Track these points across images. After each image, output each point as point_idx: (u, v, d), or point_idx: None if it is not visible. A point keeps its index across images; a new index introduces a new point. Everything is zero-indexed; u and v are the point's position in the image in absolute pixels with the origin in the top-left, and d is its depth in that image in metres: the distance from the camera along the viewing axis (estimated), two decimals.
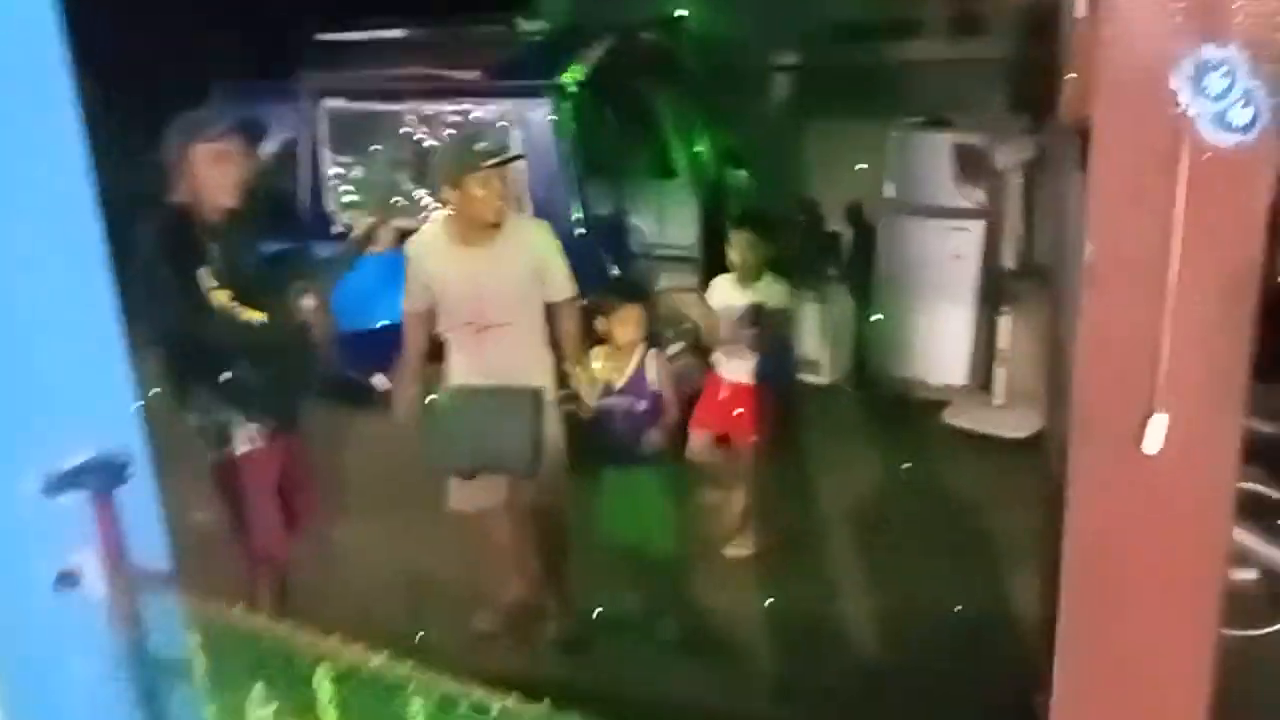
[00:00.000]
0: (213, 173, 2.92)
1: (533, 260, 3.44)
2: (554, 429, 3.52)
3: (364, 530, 4.29)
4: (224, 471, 3.08)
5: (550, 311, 3.51)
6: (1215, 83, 1.41)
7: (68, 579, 1.54)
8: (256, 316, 2.90)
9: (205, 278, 2.84)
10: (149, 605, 1.61)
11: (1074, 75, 1.75)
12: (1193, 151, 1.43)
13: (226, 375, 2.97)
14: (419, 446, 3.53)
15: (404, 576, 4.01)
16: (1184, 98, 1.43)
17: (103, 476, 1.50)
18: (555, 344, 3.54)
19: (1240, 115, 1.41)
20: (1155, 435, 1.53)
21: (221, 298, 2.85)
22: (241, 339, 2.93)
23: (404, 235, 3.54)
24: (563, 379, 3.59)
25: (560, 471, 3.58)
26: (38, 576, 1.54)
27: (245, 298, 2.90)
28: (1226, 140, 1.43)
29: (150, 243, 2.88)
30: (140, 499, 1.60)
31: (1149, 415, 1.53)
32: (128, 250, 2.70)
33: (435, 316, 3.51)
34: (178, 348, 2.99)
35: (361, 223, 3.34)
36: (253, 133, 3.18)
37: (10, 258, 1.49)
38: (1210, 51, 1.41)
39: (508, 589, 3.79)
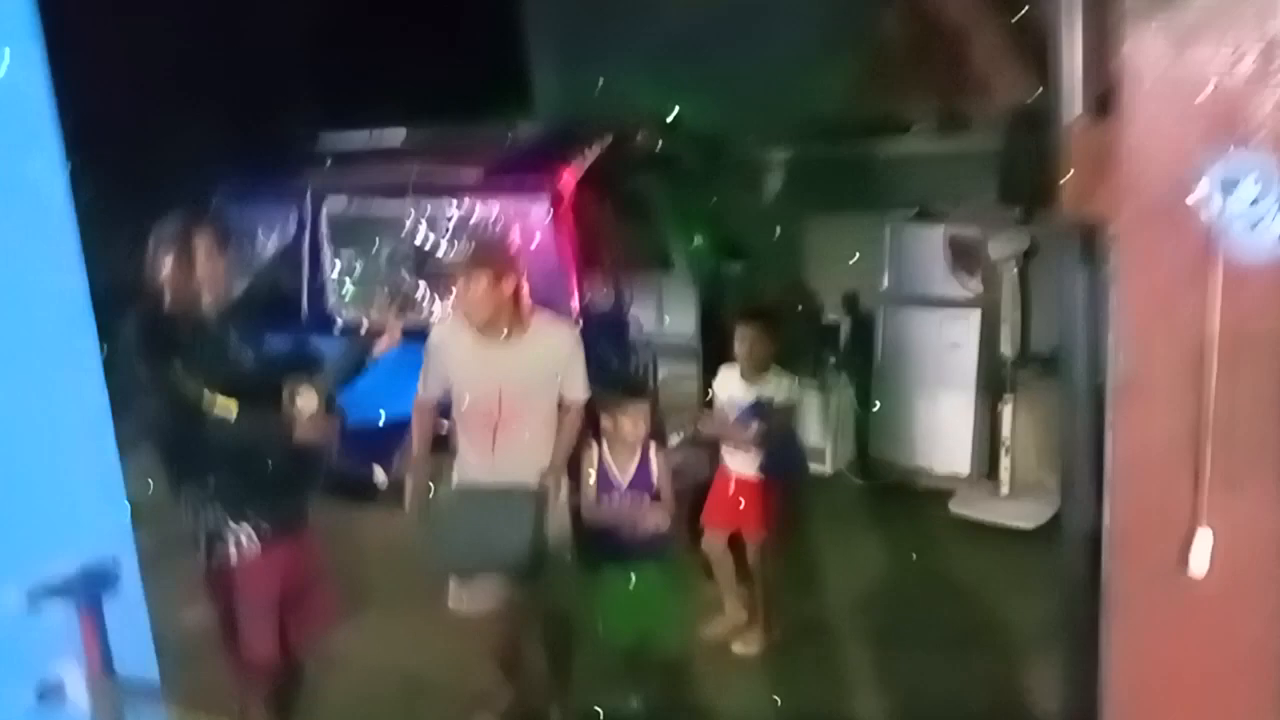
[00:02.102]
0: (196, 271, 2.91)
1: (555, 361, 3.40)
2: (561, 529, 3.46)
3: (361, 631, 4.17)
4: (219, 580, 2.98)
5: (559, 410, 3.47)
6: (1246, 190, 1.36)
7: (51, 692, 1.48)
8: (230, 410, 2.84)
9: (187, 379, 2.80)
10: (135, 718, 1.54)
11: (1073, 173, 1.75)
12: (1224, 262, 1.37)
13: (213, 479, 2.91)
14: (420, 545, 3.45)
15: (401, 679, 3.88)
16: (1213, 207, 1.37)
17: (89, 587, 1.45)
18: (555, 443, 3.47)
19: (1273, 225, 1.35)
20: (1201, 555, 1.44)
21: (205, 398, 2.81)
22: (235, 440, 2.86)
23: (411, 334, 3.55)
24: (570, 476, 3.54)
25: (566, 572, 3.49)
26: (19, 689, 1.48)
27: (239, 396, 2.85)
28: (1260, 250, 1.36)
29: (138, 344, 2.84)
30: (128, 607, 1.54)
31: (1191, 535, 1.44)
32: (118, 352, 2.68)
33: (444, 408, 3.48)
34: (168, 450, 2.92)
35: (370, 323, 3.32)
36: (232, 228, 3.19)
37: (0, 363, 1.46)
38: (1239, 157, 1.35)
39: (507, 692, 3.67)
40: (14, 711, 1.48)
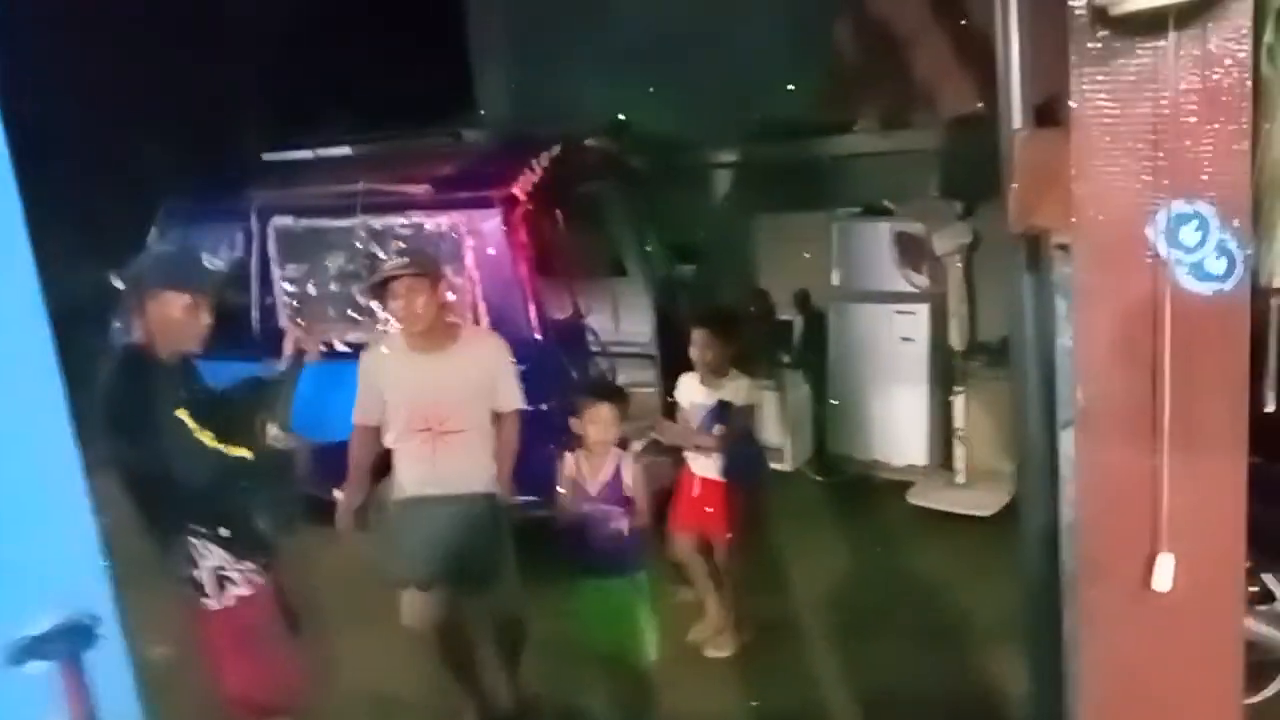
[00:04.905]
0: (177, 323, 2.83)
1: (486, 370, 3.49)
2: (507, 536, 3.54)
3: (323, 650, 4.13)
4: (216, 620, 2.90)
5: (494, 422, 3.54)
6: (1188, 235, 1.50)
7: None
8: (243, 453, 2.81)
9: (187, 420, 2.73)
10: None
11: (1017, 187, 1.84)
12: (1173, 299, 1.51)
13: (201, 516, 2.85)
14: (373, 561, 3.47)
15: (361, 697, 3.85)
16: (1160, 249, 1.51)
17: (70, 641, 1.43)
18: (496, 455, 3.54)
19: (1215, 265, 1.50)
20: (1164, 573, 1.57)
21: (206, 439, 2.74)
22: (224, 476, 2.80)
23: (357, 348, 3.56)
24: (523, 485, 3.60)
25: (515, 578, 3.57)
26: None
27: (220, 433, 2.80)
28: (1204, 289, 1.51)
29: (110, 385, 2.76)
30: (111, 660, 1.52)
31: (1155, 554, 1.57)
32: (84, 393, 2.62)
33: (383, 431, 3.51)
34: (148, 494, 2.82)
35: (288, 340, 3.29)
36: (211, 278, 3.09)
37: None
38: (1181, 206, 1.49)
39: (469, 704, 3.69)
40: None
